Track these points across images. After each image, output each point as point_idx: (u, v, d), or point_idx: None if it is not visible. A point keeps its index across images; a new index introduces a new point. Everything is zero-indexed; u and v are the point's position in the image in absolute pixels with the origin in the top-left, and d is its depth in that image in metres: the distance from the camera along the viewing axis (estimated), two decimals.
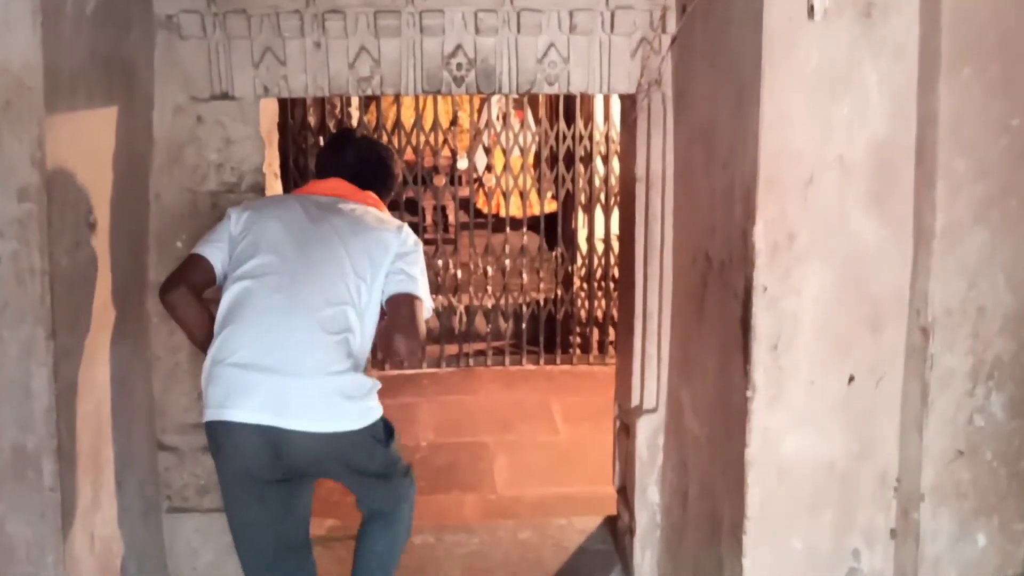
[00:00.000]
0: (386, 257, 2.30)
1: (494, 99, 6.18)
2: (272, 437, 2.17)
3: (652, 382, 2.95)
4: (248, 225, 2.32)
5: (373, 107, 6.15)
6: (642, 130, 2.89)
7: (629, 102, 2.98)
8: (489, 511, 4.03)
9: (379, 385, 2.30)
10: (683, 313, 2.77)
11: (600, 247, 5.80)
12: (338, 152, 2.57)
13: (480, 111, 6.55)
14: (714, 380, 2.46)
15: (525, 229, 5.72)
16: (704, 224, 2.53)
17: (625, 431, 3.11)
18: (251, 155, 2.78)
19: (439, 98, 5.68)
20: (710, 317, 2.50)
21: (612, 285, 5.83)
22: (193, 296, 2.27)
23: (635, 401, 3.00)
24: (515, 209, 5.90)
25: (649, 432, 2.95)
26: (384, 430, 2.35)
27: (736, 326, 2.25)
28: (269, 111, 2.92)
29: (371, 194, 2.48)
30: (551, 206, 5.90)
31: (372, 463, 2.36)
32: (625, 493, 3.16)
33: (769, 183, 2.13)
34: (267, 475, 2.24)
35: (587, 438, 4.67)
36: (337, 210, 2.37)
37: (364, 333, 2.28)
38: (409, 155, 5.72)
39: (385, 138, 5.61)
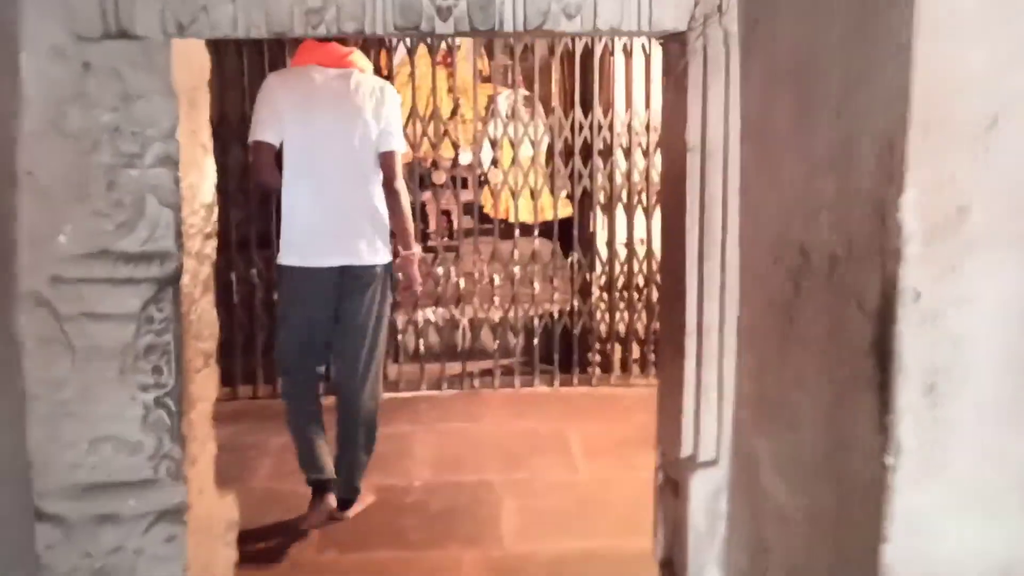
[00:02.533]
0: (380, 119, 3.00)
1: (504, 96, 5.37)
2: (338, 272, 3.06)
3: (711, 424, 2.10)
4: (289, 105, 2.95)
5: None
6: (696, 82, 2.05)
7: (677, 46, 2.14)
8: (493, 573, 3.19)
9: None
10: (759, 330, 1.93)
11: (622, 252, 4.96)
12: None
13: (488, 108, 5.76)
14: (818, 430, 1.62)
15: (537, 234, 4.89)
16: (796, 203, 1.70)
17: (672, 488, 2.25)
18: (159, 116, 1.95)
19: (438, 84, 4.87)
20: (809, 337, 1.66)
21: (636, 295, 4.99)
22: (275, 171, 2.99)
23: (686, 449, 2.16)
24: (525, 213, 5.08)
25: (707, 493, 2.10)
26: (390, 278, 3.21)
27: (863, 353, 1.42)
28: (193, 60, 2.10)
29: (356, 50, 3.10)
30: (566, 208, 5.07)
31: (376, 301, 3.13)
32: (672, 569, 2.31)
33: (926, 128, 1.29)
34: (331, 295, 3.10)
35: (612, 477, 3.83)
36: (345, 85, 3.00)
37: (378, 181, 3.08)
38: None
39: None
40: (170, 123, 1.95)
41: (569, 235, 4.98)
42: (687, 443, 2.16)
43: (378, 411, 3.32)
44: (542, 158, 4.98)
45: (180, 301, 2.01)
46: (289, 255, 3.05)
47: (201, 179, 2.15)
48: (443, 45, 5.11)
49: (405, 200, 3.12)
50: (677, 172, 2.16)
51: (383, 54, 5.69)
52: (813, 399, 1.65)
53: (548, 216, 5.49)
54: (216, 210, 2.24)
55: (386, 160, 3.03)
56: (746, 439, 2.00)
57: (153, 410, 2.00)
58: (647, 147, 4.87)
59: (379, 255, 3.10)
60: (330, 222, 3.00)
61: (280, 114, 2.93)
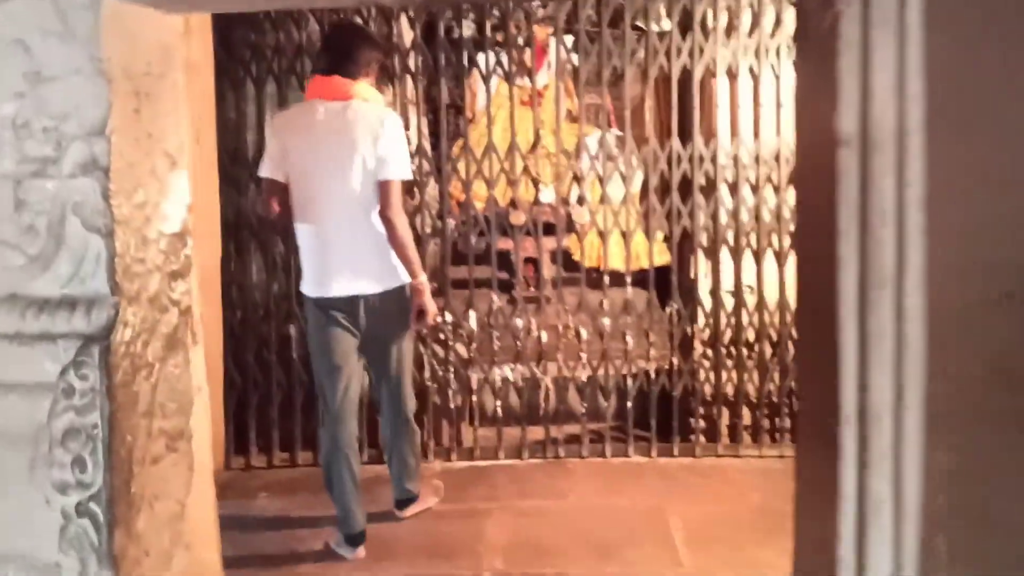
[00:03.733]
0: (379, 149, 2.96)
1: (593, 137, 4.73)
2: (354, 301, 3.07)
3: (884, 555, 1.35)
4: (292, 141, 2.99)
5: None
6: (850, 43, 1.36)
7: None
8: None
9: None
10: (966, 412, 1.20)
11: (729, 302, 4.20)
12: (333, 50, 3.04)
13: (576, 148, 5.17)
14: None
15: (629, 282, 4.19)
16: None
17: None
18: (81, 105, 1.36)
19: (516, 115, 4.27)
20: None
21: (746, 352, 4.21)
22: (282, 206, 3.03)
23: None
24: (617, 259, 4.41)
25: None
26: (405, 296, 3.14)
27: None
28: (143, 34, 1.51)
29: (364, 83, 3.04)
30: (663, 255, 4.36)
31: (395, 321, 3.15)
32: None
33: None
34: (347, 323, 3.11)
35: (724, 573, 3.07)
36: (344, 118, 2.96)
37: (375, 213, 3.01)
38: (480, 191, 4.31)
39: (451, 165, 4.25)
40: (97, 115, 1.36)
41: (666, 282, 4.26)
42: (845, 573, 1.41)
43: (412, 412, 3.34)
44: (635, 195, 4.30)
45: (112, 365, 1.39)
46: (305, 284, 3.10)
47: (162, 199, 1.55)
48: (526, 81, 4.55)
49: (402, 229, 3.03)
50: (821, 179, 1.45)
51: (470, 99, 5.16)
52: None
53: (644, 263, 4.79)
54: (189, 242, 1.64)
55: (381, 189, 2.97)
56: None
57: (74, 520, 1.39)
58: (757, 181, 4.14)
59: (389, 280, 3.08)
60: (335, 255, 3.00)
61: (284, 151, 2.98)
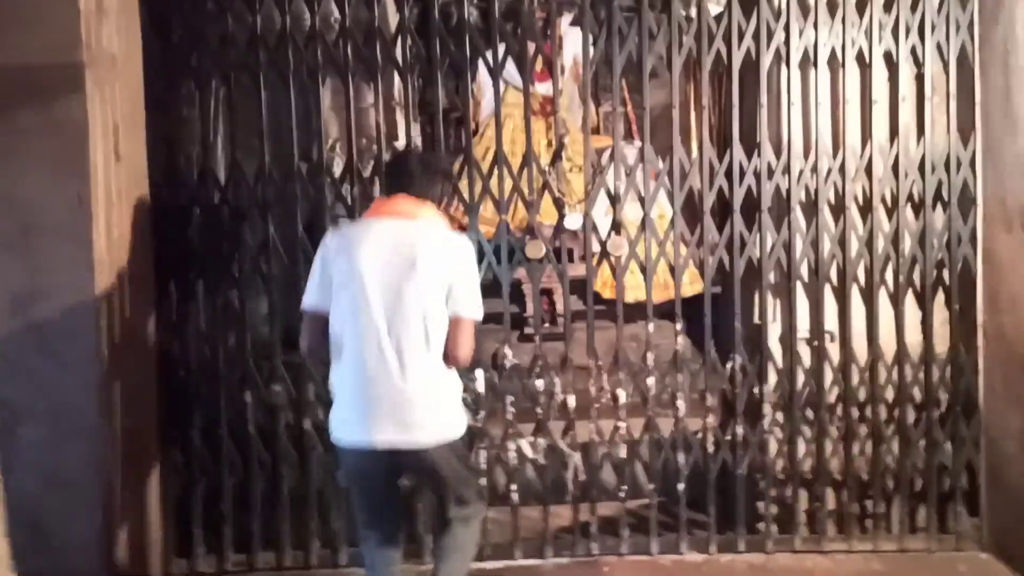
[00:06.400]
0: (444, 283, 2.41)
1: (631, 148, 3.68)
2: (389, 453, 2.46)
3: None
4: (341, 267, 2.44)
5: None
6: None
7: None
8: None
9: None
10: None
11: (807, 355, 3.16)
12: (398, 172, 2.58)
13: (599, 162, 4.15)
14: None
15: (679, 324, 3.16)
16: None
17: None
18: None
19: (532, 120, 3.24)
20: None
21: (828, 417, 3.17)
22: (322, 345, 2.48)
23: None
24: (659, 291, 3.40)
25: None
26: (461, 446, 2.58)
27: None
28: None
29: (430, 205, 2.52)
30: (694, 282, 3.33)
31: (450, 473, 2.51)
32: None
33: None
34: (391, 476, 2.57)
35: None
36: (399, 239, 2.43)
37: (439, 347, 2.42)
38: (488, 214, 3.28)
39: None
40: None
41: (725, 326, 3.21)
42: None
43: (474, 514, 2.58)
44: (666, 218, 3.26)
45: None
46: (340, 428, 2.48)
47: None
48: (538, 89, 3.57)
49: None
50: None
51: (472, 107, 4.22)
52: None
53: (686, 290, 3.77)
54: None
55: (451, 327, 2.44)
56: None
57: None
58: (840, 198, 3.12)
59: (442, 431, 2.44)
60: (381, 397, 2.39)
61: (329, 276, 2.48)
